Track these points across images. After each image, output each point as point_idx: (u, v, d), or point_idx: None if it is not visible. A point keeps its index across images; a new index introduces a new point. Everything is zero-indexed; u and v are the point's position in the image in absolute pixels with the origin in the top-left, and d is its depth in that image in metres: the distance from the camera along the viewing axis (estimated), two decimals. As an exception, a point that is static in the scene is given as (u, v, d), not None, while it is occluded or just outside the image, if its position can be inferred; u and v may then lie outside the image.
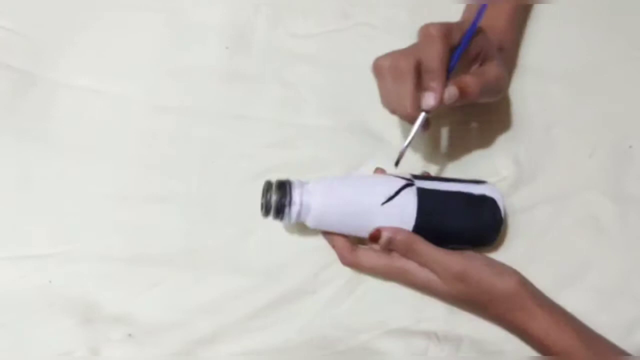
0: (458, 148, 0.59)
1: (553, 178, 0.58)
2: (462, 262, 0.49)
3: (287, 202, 0.50)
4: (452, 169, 0.59)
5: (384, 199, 0.50)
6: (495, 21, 0.57)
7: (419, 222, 0.50)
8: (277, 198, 0.50)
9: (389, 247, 0.50)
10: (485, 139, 0.60)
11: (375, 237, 0.50)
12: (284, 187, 0.51)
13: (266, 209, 0.51)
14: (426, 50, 0.47)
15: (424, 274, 0.50)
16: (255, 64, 0.63)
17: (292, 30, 0.64)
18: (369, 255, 0.52)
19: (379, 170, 0.55)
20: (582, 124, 0.60)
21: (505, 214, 0.52)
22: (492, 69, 0.52)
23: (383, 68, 0.50)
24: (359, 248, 0.52)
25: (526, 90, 0.61)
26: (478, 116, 0.60)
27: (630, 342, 0.53)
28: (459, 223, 0.51)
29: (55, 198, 0.58)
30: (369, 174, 0.55)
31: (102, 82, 0.62)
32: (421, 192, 0.50)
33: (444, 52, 0.47)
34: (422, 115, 0.49)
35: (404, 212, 0.50)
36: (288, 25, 0.64)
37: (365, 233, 0.51)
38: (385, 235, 0.50)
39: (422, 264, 0.50)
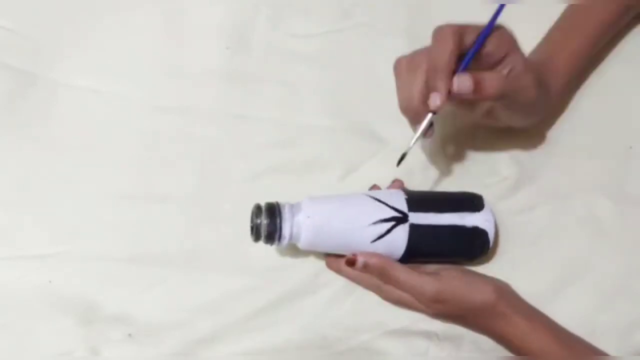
0: (458, 148, 0.59)
1: (553, 178, 0.58)
2: (436, 284, 0.49)
3: (276, 236, 0.50)
4: (452, 169, 0.59)
5: (374, 238, 0.49)
6: (554, 56, 0.55)
7: (405, 256, 0.51)
8: (266, 228, 0.50)
9: (365, 272, 0.50)
10: (485, 139, 0.60)
11: (351, 262, 0.50)
12: (273, 216, 0.50)
13: (256, 236, 0.51)
14: (436, 48, 0.46)
15: (397, 294, 0.51)
16: (255, 64, 0.63)
17: (292, 30, 0.64)
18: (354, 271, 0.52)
19: (375, 187, 0.54)
20: (582, 123, 0.60)
21: (493, 242, 0.52)
22: (520, 77, 0.48)
23: (401, 64, 0.49)
24: (342, 258, 0.52)
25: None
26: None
27: (630, 342, 0.53)
28: (445, 255, 0.52)
29: (55, 198, 0.58)
30: (363, 197, 0.51)
31: (102, 82, 0.62)
32: (412, 229, 0.50)
33: (452, 51, 0.45)
34: (428, 115, 0.48)
35: (392, 248, 0.50)
36: (288, 25, 0.64)
37: None
38: (360, 261, 0.49)
39: (398, 288, 0.50)
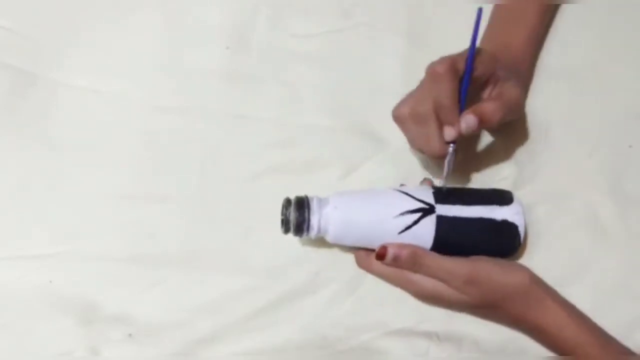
0: (458, 148, 0.59)
1: (553, 178, 0.58)
2: (470, 265, 0.49)
3: (305, 227, 0.51)
4: (452, 169, 0.59)
5: (401, 229, 0.50)
6: (512, 39, 0.57)
7: (433, 249, 0.50)
8: (295, 220, 0.51)
9: (396, 265, 0.50)
10: (485, 138, 0.60)
11: (381, 255, 0.50)
12: (302, 209, 0.51)
13: (286, 228, 0.51)
14: (436, 90, 0.48)
15: (431, 283, 0.50)
16: (255, 64, 0.63)
17: (292, 30, 0.64)
18: (382, 265, 0.52)
19: (402, 186, 0.54)
20: (582, 123, 0.60)
21: (524, 237, 0.52)
22: (509, 91, 0.51)
23: (404, 117, 0.51)
24: (372, 254, 0.52)
25: (526, 90, 0.61)
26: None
27: (630, 342, 0.52)
28: (475, 250, 0.51)
29: (55, 198, 0.58)
30: (390, 191, 0.52)
31: (102, 82, 0.62)
32: (440, 221, 0.50)
33: (453, 88, 0.48)
34: (451, 147, 0.50)
35: (420, 239, 0.50)
36: (288, 25, 0.64)
37: None
38: (390, 253, 0.50)
39: (431, 275, 0.50)
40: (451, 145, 0.50)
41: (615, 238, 0.56)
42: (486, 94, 0.52)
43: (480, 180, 0.58)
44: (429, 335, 0.54)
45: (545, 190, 0.58)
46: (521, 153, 0.59)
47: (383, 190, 0.52)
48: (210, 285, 0.56)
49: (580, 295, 0.54)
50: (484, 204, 0.51)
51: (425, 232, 0.50)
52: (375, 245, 0.51)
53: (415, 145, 0.53)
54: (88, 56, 0.63)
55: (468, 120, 0.49)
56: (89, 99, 0.61)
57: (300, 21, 0.64)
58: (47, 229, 0.57)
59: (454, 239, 0.50)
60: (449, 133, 0.49)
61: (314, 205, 0.51)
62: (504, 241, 0.51)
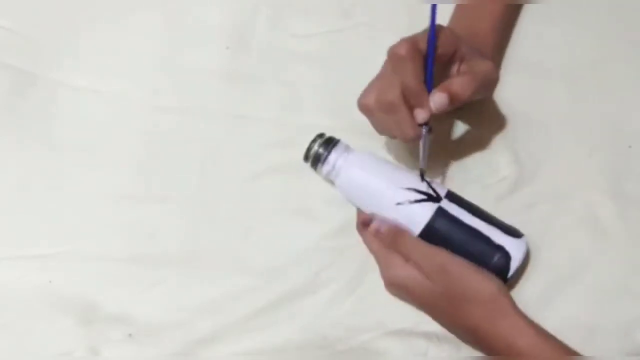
0: (458, 148, 0.59)
1: (553, 178, 0.58)
2: (446, 255, 0.49)
3: (322, 159, 0.53)
4: (452, 169, 0.59)
5: (400, 201, 0.50)
6: (477, 23, 0.57)
7: (422, 235, 0.50)
8: (316, 151, 0.54)
9: (377, 236, 0.51)
10: (485, 138, 0.60)
11: (365, 222, 0.52)
12: (328, 143, 0.54)
13: (306, 156, 0.54)
14: (401, 73, 0.47)
15: (405, 272, 0.50)
16: (255, 64, 0.63)
17: (292, 30, 0.64)
18: (371, 236, 0.53)
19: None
20: (582, 123, 0.60)
21: (514, 275, 0.50)
22: (479, 64, 0.50)
23: (370, 106, 0.50)
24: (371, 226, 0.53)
25: (526, 89, 0.61)
26: (478, 116, 0.60)
27: (630, 342, 0.53)
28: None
29: (55, 198, 0.58)
30: (414, 170, 0.54)
31: (102, 82, 0.62)
32: (438, 212, 0.50)
33: (418, 69, 0.47)
34: (424, 129, 0.49)
35: (413, 219, 0.50)
36: (288, 25, 0.64)
37: None
38: (374, 224, 0.51)
39: (406, 256, 0.50)
40: (424, 127, 0.49)
41: (615, 238, 0.56)
42: (454, 70, 0.51)
43: (480, 180, 0.58)
44: (428, 336, 0.54)
45: (545, 190, 0.58)
46: (521, 153, 0.59)
47: (406, 168, 0.55)
48: (210, 285, 0.56)
49: (580, 295, 0.54)
50: (490, 223, 0.51)
51: (420, 215, 0.50)
52: (372, 205, 0.52)
53: (386, 132, 0.52)
54: (88, 56, 0.63)
55: (437, 99, 0.47)
56: (89, 99, 0.61)
57: (300, 21, 0.64)
58: (47, 229, 0.57)
59: (443, 235, 0.50)
60: (421, 115, 0.48)
61: (340, 146, 0.54)
62: (490, 266, 0.50)
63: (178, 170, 0.59)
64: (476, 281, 0.48)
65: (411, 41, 0.47)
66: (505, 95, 0.60)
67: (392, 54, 0.47)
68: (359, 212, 0.54)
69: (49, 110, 0.61)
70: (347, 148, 0.54)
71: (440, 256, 0.49)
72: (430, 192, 0.51)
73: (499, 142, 0.59)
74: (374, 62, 0.62)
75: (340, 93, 0.62)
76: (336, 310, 0.55)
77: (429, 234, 0.50)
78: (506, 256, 0.50)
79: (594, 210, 0.57)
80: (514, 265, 0.50)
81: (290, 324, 0.55)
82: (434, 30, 0.47)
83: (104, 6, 0.64)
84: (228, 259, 0.56)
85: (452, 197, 0.52)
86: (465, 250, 0.50)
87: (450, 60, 0.50)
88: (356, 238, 0.55)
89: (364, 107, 0.51)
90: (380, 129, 0.53)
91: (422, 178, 0.52)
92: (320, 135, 0.54)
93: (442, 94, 0.47)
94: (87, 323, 0.54)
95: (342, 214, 0.56)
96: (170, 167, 0.59)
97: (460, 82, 0.48)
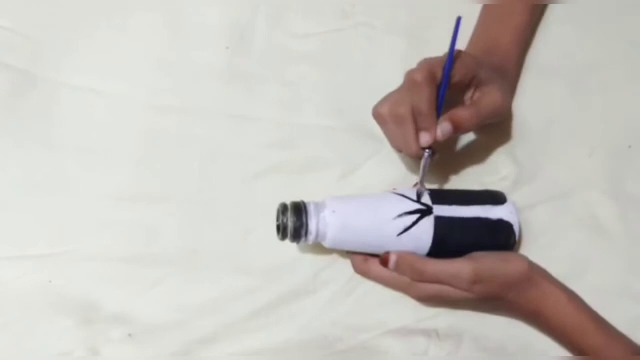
0: (458, 148, 0.59)
1: (553, 178, 0.58)
2: (472, 265, 0.49)
3: (303, 233, 0.50)
4: (452, 169, 0.59)
5: (400, 231, 0.50)
6: (500, 38, 0.58)
7: (432, 250, 0.50)
8: (293, 225, 0.50)
9: (398, 272, 0.51)
10: (485, 138, 0.60)
11: (384, 261, 0.51)
12: (299, 214, 0.50)
13: (283, 234, 0.51)
14: (414, 96, 0.49)
15: (435, 287, 0.50)
16: (255, 64, 0.63)
17: (292, 30, 0.64)
18: (379, 267, 0.52)
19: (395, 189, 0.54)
20: (582, 123, 0.60)
21: (519, 236, 0.52)
22: (489, 96, 0.52)
23: (384, 116, 0.51)
24: (370, 259, 0.53)
25: (526, 89, 0.61)
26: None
27: (630, 342, 0.53)
28: (473, 249, 0.51)
29: (55, 198, 0.58)
30: (386, 194, 0.53)
31: (102, 82, 0.62)
32: (438, 222, 0.50)
33: (430, 95, 0.49)
34: (427, 152, 0.50)
35: (419, 241, 0.50)
36: (288, 25, 0.64)
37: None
38: (392, 259, 0.50)
39: (435, 281, 0.50)
40: (427, 150, 0.50)
41: (615, 238, 0.56)
42: (468, 96, 0.53)
43: (480, 180, 0.58)
44: (428, 334, 0.54)
45: (545, 190, 0.58)
46: (521, 153, 0.59)
47: (379, 194, 0.53)
48: (210, 285, 0.56)
49: (580, 295, 0.54)
50: (480, 204, 0.52)
51: (424, 233, 0.50)
52: (374, 249, 0.51)
53: (394, 144, 0.54)
54: (88, 56, 0.63)
55: (443, 128, 0.50)
56: (89, 99, 0.61)
57: (300, 21, 0.64)
58: (47, 229, 0.57)
59: (452, 239, 0.50)
60: (425, 139, 0.50)
61: (311, 210, 0.50)
62: (500, 240, 0.52)
63: (178, 170, 0.59)
64: (506, 269, 0.50)
65: (428, 68, 0.49)
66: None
67: (410, 79, 0.49)
68: (355, 255, 0.54)
69: (49, 111, 0.61)
70: (317, 206, 0.51)
71: (466, 270, 0.49)
72: (419, 206, 0.50)
73: (499, 142, 0.60)
74: (374, 62, 0.63)
75: (340, 93, 0.62)
76: (336, 310, 0.55)
77: (439, 245, 0.50)
78: (508, 225, 0.51)
79: (594, 210, 0.57)
80: (516, 229, 0.51)
81: (290, 324, 0.55)
82: (452, 59, 0.49)
83: (104, 6, 0.64)
84: (228, 259, 0.56)
85: (436, 197, 0.51)
86: (475, 241, 0.51)
87: (467, 85, 0.52)
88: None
89: (378, 116, 0.52)
90: (391, 140, 0.54)
91: (419, 199, 0.51)
92: (285, 207, 0.51)
93: (448, 125, 0.50)
94: (87, 323, 0.54)
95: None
96: (170, 167, 0.59)
97: (466, 115, 0.50)
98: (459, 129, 0.50)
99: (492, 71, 0.53)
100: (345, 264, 0.55)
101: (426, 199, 0.51)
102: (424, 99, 0.49)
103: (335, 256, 0.56)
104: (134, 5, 0.64)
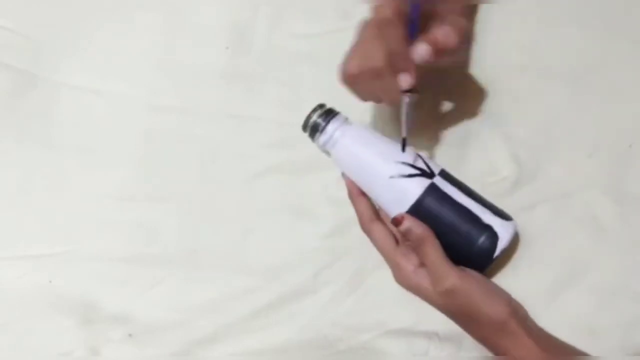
0: (458, 148, 0.59)
1: (553, 177, 0.58)
2: (456, 280, 0.48)
3: (320, 129, 0.53)
4: (452, 168, 0.59)
5: (394, 174, 0.51)
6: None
7: (411, 210, 0.50)
8: (315, 121, 0.53)
9: (404, 237, 0.50)
10: (485, 138, 0.60)
11: (397, 221, 0.50)
12: (327, 114, 0.53)
13: (304, 125, 0.54)
14: (386, 37, 0.45)
15: (416, 279, 0.50)
16: (255, 64, 0.63)
17: (293, 30, 0.64)
18: (381, 235, 0.52)
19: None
20: (582, 123, 0.60)
21: (499, 255, 0.51)
22: (456, 19, 0.48)
23: (356, 75, 0.48)
24: (377, 221, 0.52)
25: (526, 89, 0.61)
26: (478, 115, 0.60)
27: (630, 342, 0.53)
28: (445, 235, 0.50)
29: (55, 198, 0.58)
30: (411, 147, 0.53)
31: (103, 82, 0.62)
32: (430, 188, 0.50)
33: (403, 32, 0.45)
34: (407, 97, 0.48)
35: (404, 193, 0.51)
36: (288, 25, 0.64)
37: (367, 189, 0.53)
38: (405, 224, 0.49)
39: (423, 262, 0.50)
40: (407, 94, 0.48)
41: (615, 238, 0.56)
42: (437, 23, 0.48)
43: (481, 180, 0.58)
44: (428, 335, 0.54)
45: (545, 190, 0.58)
46: (521, 153, 0.59)
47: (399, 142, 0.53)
48: (210, 285, 0.56)
49: (580, 295, 0.54)
50: (481, 204, 0.52)
51: (412, 189, 0.50)
52: (365, 177, 0.52)
53: (371, 97, 0.51)
54: (88, 56, 0.63)
55: (419, 50, 0.45)
56: (89, 100, 0.61)
57: (300, 21, 0.64)
58: (47, 229, 0.57)
59: (432, 212, 0.50)
60: (405, 80, 0.46)
61: (338, 118, 0.53)
62: (477, 244, 0.50)
63: (178, 170, 0.59)
64: (484, 307, 0.48)
65: (395, 2, 0.45)
66: (506, 95, 0.60)
67: (379, 14, 0.45)
68: (365, 211, 0.53)
69: (49, 111, 0.61)
70: (346, 120, 0.54)
71: (449, 279, 0.48)
72: (424, 167, 0.51)
73: (499, 142, 0.59)
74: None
75: (340, 93, 0.62)
76: (336, 310, 0.55)
77: (419, 209, 0.50)
78: (493, 236, 0.50)
79: (594, 210, 0.57)
80: (500, 245, 0.50)
81: (290, 324, 0.55)
82: None
83: (104, 6, 0.64)
84: (228, 259, 0.56)
85: (445, 175, 0.52)
86: (454, 228, 0.50)
87: (430, 18, 0.48)
88: (356, 238, 0.54)
89: (349, 77, 0.49)
90: (365, 95, 0.51)
91: (404, 147, 0.51)
92: (321, 106, 0.54)
93: (423, 44, 0.45)
94: (87, 323, 0.54)
95: (342, 214, 0.56)
96: (170, 167, 0.59)
97: (443, 32, 0.46)
98: (440, 49, 0.45)
99: (447, 12, 0.49)
100: (346, 264, 0.55)
101: (436, 169, 0.52)
102: (397, 37, 0.45)
103: (335, 256, 0.56)
104: (134, 5, 0.64)
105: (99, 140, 0.60)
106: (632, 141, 0.59)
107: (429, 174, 0.51)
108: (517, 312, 0.49)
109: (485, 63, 0.60)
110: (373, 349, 0.54)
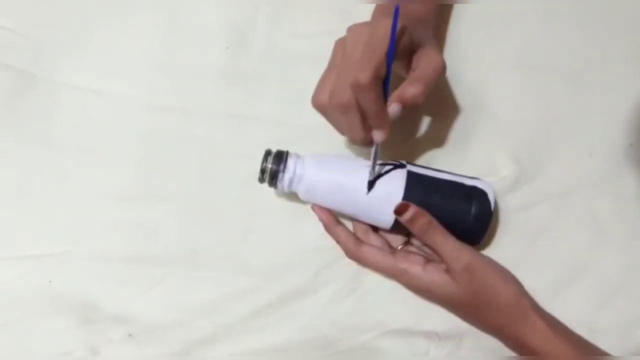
0: (457, 148, 0.59)
1: (553, 177, 0.58)
2: (473, 255, 0.49)
3: (281, 169, 0.52)
4: (451, 168, 0.59)
5: (374, 176, 0.50)
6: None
7: (404, 198, 0.50)
8: (273, 165, 0.52)
9: (410, 225, 0.50)
10: (485, 138, 0.60)
11: (400, 211, 0.49)
12: (280, 156, 0.52)
13: (261, 176, 0.52)
14: (361, 97, 0.46)
15: (428, 277, 0.50)
16: (255, 64, 0.63)
17: (293, 29, 0.64)
18: (374, 253, 0.51)
19: None
20: (582, 123, 0.60)
21: (495, 208, 0.52)
22: (428, 58, 0.49)
23: (324, 106, 0.49)
24: (364, 244, 0.52)
25: (526, 89, 0.61)
26: (477, 115, 0.60)
27: (630, 342, 0.53)
28: (447, 209, 0.51)
29: (55, 198, 0.58)
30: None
31: (103, 82, 0.62)
32: (410, 175, 0.51)
33: (379, 94, 0.46)
34: (374, 148, 0.49)
35: (390, 187, 0.50)
36: (288, 25, 0.64)
37: (350, 209, 0.52)
38: (411, 211, 0.49)
39: (433, 249, 0.50)
40: (375, 146, 0.49)
41: (615, 238, 0.56)
42: (414, 62, 0.50)
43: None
44: (428, 335, 0.54)
45: (545, 189, 0.58)
46: (520, 151, 0.59)
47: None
48: (210, 285, 0.56)
49: (580, 295, 0.54)
50: (453, 174, 0.53)
51: (396, 181, 0.51)
52: (343, 193, 0.51)
53: (339, 130, 0.52)
54: (88, 56, 0.63)
55: (392, 109, 0.48)
56: (89, 100, 0.61)
57: (300, 21, 0.64)
58: (47, 229, 0.57)
59: (423, 190, 0.51)
60: (378, 137, 0.48)
61: (292, 155, 0.53)
62: (474, 205, 0.51)
63: (178, 170, 0.59)
64: (497, 285, 0.49)
65: (374, 68, 0.45)
66: (505, 95, 0.60)
67: (355, 84, 0.46)
68: (347, 239, 0.53)
69: (49, 111, 0.61)
70: (299, 155, 0.53)
71: (466, 255, 0.49)
72: (393, 162, 0.52)
73: (498, 142, 0.59)
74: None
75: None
76: (336, 310, 0.55)
77: (411, 194, 0.50)
78: (482, 193, 0.52)
79: (593, 208, 0.57)
80: (491, 198, 0.51)
81: (290, 324, 0.55)
82: (393, 47, 0.45)
83: (104, 6, 0.64)
84: (228, 259, 0.57)
85: (411, 164, 0.53)
86: (447, 199, 0.51)
87: (406, 55, 0.50)
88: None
89: (318, 107, 0.50)
90: (335, 126, 0.52)
91: (369, 190, 0.51)
92: (269, 152, 0.53)
93: (395, 105, 0.48)
94: (87, 323, 0.54)
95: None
96: (170, 167, 0.59)
97: (411, 92, 0.48)
98: (409, 105, 0.48)
99: (420, 28, 0.51)
100: (345, 264, 0.55)
101: (400, 161, 0.53)
102: (373, 100, 0.46)
103: (335, 256, 0.56)
104: (134, 6, 0.64)
105: (99, 140, 0.60)
106: (632, 140, 0.59)
107: (401, 165, 0.52)
108: (526, 294, 0.51)
109: (484, 62, 0.60)
110: (373, 349, 0.54)
